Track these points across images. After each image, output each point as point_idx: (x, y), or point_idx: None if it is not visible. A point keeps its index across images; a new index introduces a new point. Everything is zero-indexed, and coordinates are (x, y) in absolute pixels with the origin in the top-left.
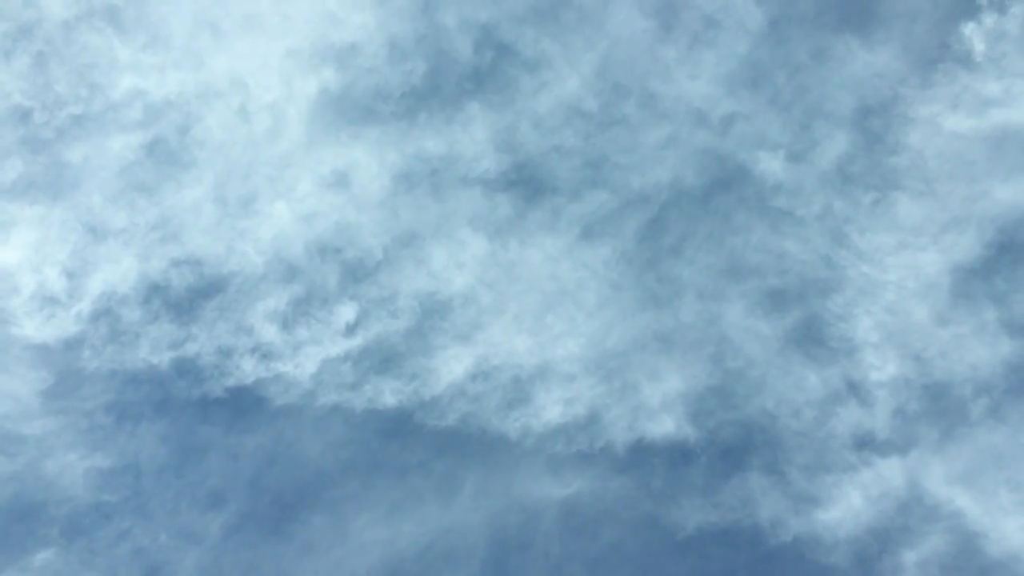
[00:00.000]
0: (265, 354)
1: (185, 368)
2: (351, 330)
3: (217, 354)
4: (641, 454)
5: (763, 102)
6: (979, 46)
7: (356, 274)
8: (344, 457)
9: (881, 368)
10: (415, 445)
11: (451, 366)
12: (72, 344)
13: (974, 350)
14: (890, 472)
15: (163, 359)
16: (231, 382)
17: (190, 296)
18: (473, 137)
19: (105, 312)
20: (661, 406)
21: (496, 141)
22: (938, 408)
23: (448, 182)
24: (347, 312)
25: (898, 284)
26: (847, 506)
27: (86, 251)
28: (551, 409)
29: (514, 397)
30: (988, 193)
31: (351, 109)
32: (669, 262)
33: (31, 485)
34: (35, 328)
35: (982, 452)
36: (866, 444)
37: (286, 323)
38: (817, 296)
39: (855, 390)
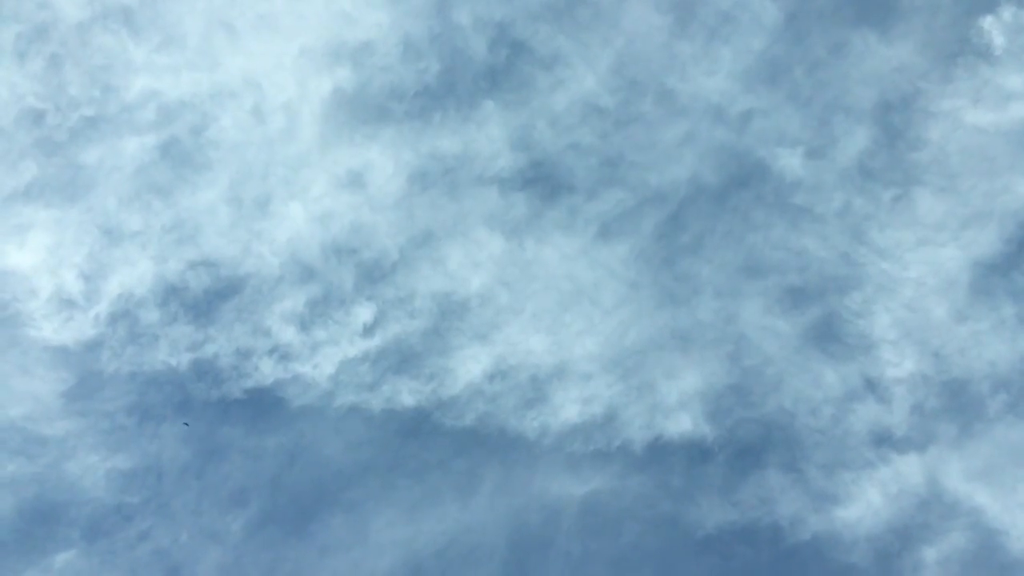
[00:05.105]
0: (283, 355)
1: (204, 369)
2: (368, 330)
3: (235, 355)
4: (659, 452)
5: (781, 98)
6: (999, 40)
7: (373, 275)
8: (363, 457)
9: (899, 365)
10: (433, 445)
11: (469, 366)
12: (91, 346)
13: (993, 346)
14: (909, 469)
15: (182, 361)
16: (250, 383)
17: (207, 298)
18: (488, 136)
19: (123, 314)
20: (679, 404)
21: (512, 139)
22: (956, 404)
23: (464, 181)
24: (364, 313)
25: (917, 281)
26: (866, 503)
27: (102, 253)
28: (569, 408)
29: (532, 396)
30: (1010, 188)
31: (365, 109)
32: (687, 260)
33: (52, 486)
34: (53, 330)
35: (1001, 449)
36: (884, 441)
37: (304, 324)
38: (836, 293)
39: (873, 387)
